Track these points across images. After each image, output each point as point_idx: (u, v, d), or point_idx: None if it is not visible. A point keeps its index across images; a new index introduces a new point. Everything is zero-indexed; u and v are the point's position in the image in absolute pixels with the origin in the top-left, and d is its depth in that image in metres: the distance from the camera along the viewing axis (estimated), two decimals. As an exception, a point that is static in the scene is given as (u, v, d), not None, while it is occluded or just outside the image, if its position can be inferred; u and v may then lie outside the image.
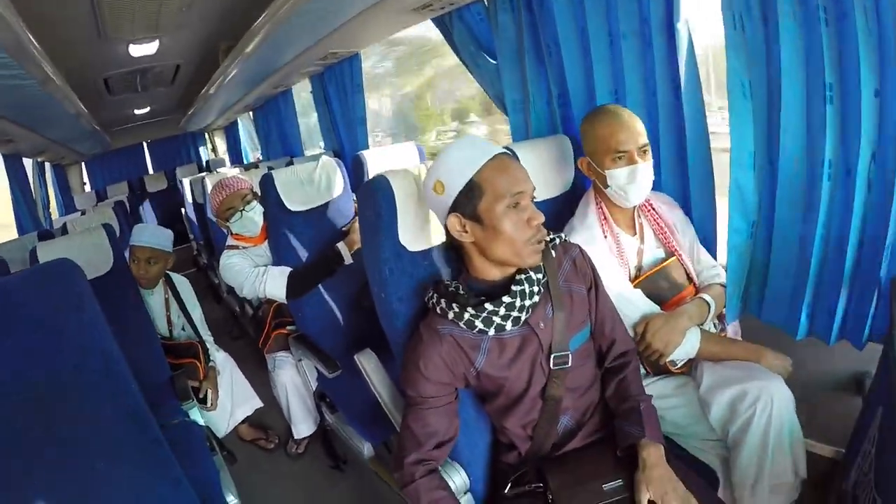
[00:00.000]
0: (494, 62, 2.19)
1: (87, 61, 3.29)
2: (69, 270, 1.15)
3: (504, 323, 1.12)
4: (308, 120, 5.46)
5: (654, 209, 1.56)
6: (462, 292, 1.14)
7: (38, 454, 1.10)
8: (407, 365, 1.15)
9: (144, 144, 7.77)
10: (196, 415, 1.95)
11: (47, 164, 6.00)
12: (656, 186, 1.63)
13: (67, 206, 6.44)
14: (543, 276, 1.18)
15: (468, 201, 1.10)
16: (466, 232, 1.12)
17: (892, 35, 1.18)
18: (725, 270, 1.53)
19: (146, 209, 6.83)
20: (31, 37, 1.85)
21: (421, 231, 1.27)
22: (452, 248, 1.22)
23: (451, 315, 1.12)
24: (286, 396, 2.25)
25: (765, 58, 1.39)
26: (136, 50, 3.23)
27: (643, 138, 1.45)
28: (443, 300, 1.14)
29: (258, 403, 2.48)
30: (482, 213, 1.09)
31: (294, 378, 2.22)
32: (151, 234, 2.29)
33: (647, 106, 1.71)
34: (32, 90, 2.54)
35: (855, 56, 1.22)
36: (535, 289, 1.15)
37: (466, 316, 1.11)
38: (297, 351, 2.03)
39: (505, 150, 1.13)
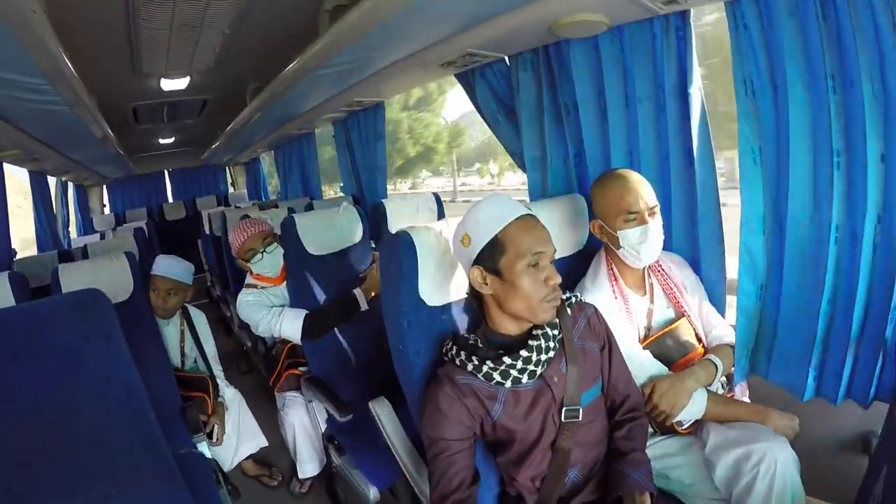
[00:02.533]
0: (514, 121, 2.26)
1: (119, 91, 3.40)
2: (99, 301, 1.19)
3: (521, 376, 1.17)
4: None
5: (663, 270, 1.60)
6: (481, 345, 1.20)
7: (52, 478, 1.11)
8: (427, 408, 1.19)
9: (166, 173, 7.90)
10: (204, 448, 1.96)
11: (70, 184, 6.15)
12: (667, 247, 1.67)
13: (86, 226, 6.56)
14: (559, 332, 1.23)
15: (491, 256, 1.16)
16: (487, 284, 1.18)
17: None
18: (734, 330, 1.56)
19: (164, 237, 6.91)
20: (68, 63, 1.93)
21: (440, 286, 1.32)
22: (474, 298, 1.27)
23: (469, 367, 1.17)
24: (294, 436, 2.25)
25: (774, 124, 1.44)
26: (167, 84, 3.34)
27: (652, 198, 1.51)
28: (462, 352, 1.19)
29: (263, 442, 2.49)
30: (503, 268, 1.15)
31: (303, 418, 2.23)
32: (174, 265, 2.33)
33: (660, 168, 1.77)
34: (63, 114, 2.63)
35: (861, 122, 1.27)
36: (551, 344, 1.20)
37: (485, 369, 1.16)
38: (308, 392, 2.05)
39: (530, 213, 1.19)
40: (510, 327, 1.22)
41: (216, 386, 2.34)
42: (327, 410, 1.95)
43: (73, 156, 4.36)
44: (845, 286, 1.39)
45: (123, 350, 1.21)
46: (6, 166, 3.29)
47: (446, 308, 1.34)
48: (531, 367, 1.17)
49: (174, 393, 2.06)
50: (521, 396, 1.19)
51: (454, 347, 1.22)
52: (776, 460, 1.22)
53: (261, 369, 3.32)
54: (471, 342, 1.22)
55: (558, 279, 1.15)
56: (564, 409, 1.20)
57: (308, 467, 2.29)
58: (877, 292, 1.35)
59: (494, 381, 1.17)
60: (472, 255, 1.19)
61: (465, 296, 1.34)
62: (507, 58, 2.19)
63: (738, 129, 1.47)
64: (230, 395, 2.43)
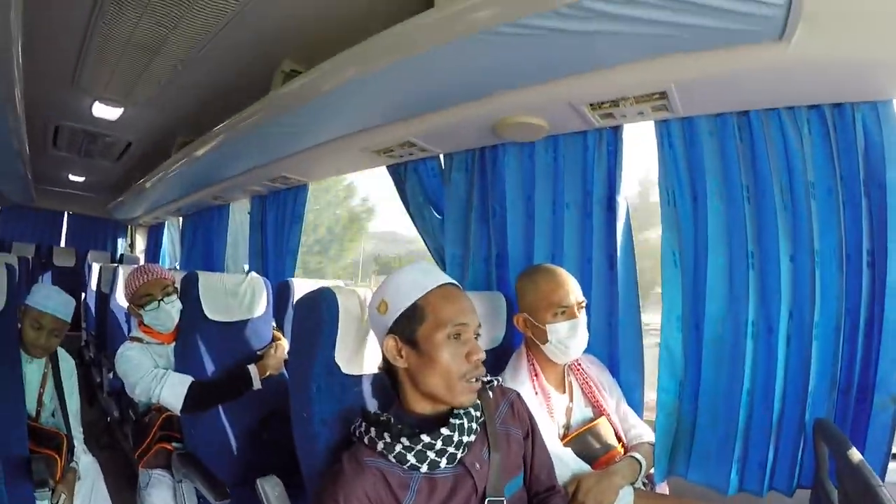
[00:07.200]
0: (439, 217, 2.30)
1: (48, 103, 3.14)
2: None
3: (439, 459, 1.03)
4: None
5: (582, 369, 1.60)
6: (393, 422, 1.06)
7: None
8: (323, 499, 1.00)
9: (65, 215, 7.30)
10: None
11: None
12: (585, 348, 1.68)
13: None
14: (481, 415, 1.13)
15: (408, 324, 1.06)
16: (401, 357, 1.07)
17: (804, 208, 1.42)
18: (654, 430, 1.57)
19: (45, 281, 6.19)
20: (20, 49, 1.77)
21: (357, 355, 1.20)
22: (387, 373, 1.15)
23: (379, 446, 1.03)
24: None
25: (693, 231, 1.58)
26: (99, 110, 3.18)
27: (580, 294, 1.53)
28: (372, 428, 1.05)
29: None
30: (420, 338, 1.06)
31: (168, 502, 1.90)
32: (63, 303, 2.02)
33: (582, 272, 1.81)
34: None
35: (773, 227, 1.44)
36: (473, 425, 1.09)
37: (398, 448, 1.02)
38: (179, 471, 1.77)
39: (455, 283, 1.13)
40: (424, 407, 1.10)
41: (72, 449, 1.94)
42: (198, 493, 1.69)
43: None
44: (763, 378, 1.49)
45: None
46: None
47: (360, 380, 1.21)
48: (451, 450, 1.05)
49: (22, 442, 1.71)
50: (437, 485, 1.05)
51: (363, 424, 1.08)
52: None
53: (123, 447, 2.90)
54: (382, 419, 1.08)
55: (482, 355, 1.07)
56: (487, 500, 1.07)
57: None
58: (792, 382, 1.46)
59: (408, 465, 1.02)
60: (387, 323, 1.09)
61: (379, 370, 1.22)
62: (441, 156, 2.24)
63: (661, 236, 1.60)
64: (86, 462, 2.02)
